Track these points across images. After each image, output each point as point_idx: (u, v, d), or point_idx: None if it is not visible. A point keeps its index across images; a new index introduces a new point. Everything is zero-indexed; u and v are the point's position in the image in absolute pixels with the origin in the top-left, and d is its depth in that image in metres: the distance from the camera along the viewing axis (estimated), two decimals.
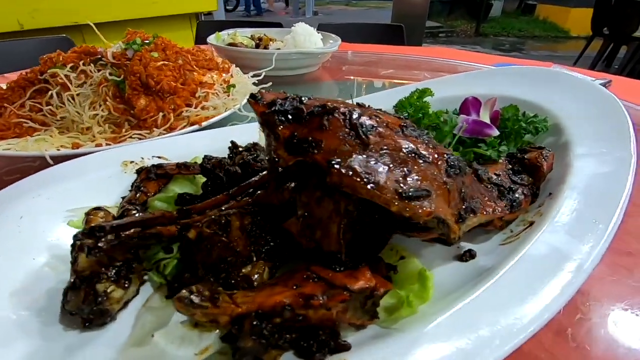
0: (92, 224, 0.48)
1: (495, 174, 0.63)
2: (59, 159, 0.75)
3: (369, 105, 0.79)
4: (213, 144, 0.76)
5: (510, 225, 0.61)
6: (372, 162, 0.43)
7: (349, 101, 0.68)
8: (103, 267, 0.43)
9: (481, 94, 0.90)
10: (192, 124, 0.88)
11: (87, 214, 0.50)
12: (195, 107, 0.93)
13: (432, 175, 0.45)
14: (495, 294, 0.44)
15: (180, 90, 0.90)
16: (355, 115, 0.47)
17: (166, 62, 0.93)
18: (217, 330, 0.39)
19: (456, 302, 0.43)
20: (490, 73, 0.97)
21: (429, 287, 0.44)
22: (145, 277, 0.50)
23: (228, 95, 1.02)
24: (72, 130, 0.87)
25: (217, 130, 0.82)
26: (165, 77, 0.89)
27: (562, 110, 0.78)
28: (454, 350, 0.37)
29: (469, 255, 0.55)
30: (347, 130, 0.45)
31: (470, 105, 0.81)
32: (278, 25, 2.14)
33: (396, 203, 0.41)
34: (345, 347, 0.40)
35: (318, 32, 1.74)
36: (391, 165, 0.43)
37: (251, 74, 1.24)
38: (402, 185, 0.42)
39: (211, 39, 1.73)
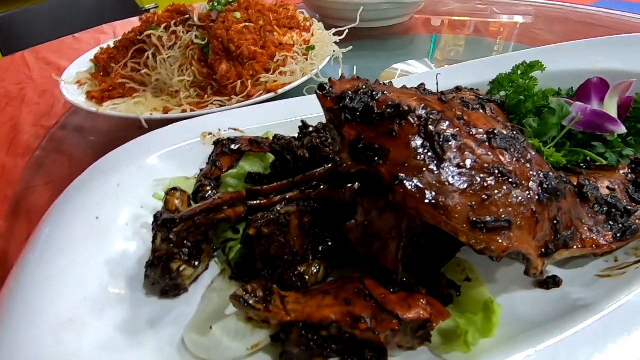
0: (169, 206, 0.53)
1: (609, 187, 0.52)
2: (151, 122, 0.82)
3: (459, 90, 0.69)
4: (288, 115, 0.76)
5: (617, 252, 0.51)
6: (444, 182, 0.37)
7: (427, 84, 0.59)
8: (176, 248, 0.48)
9: (609, 69, 0.71)
10: (268, 92, 0.88)
11: (167, 193, 0.54)
12: (273, 73, 0.92)
13: (517, 201, 0.38)
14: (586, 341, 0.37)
15: (259, 55, 0.89)
16: (433, 121, 0.40)
17: (247, 25, 0.91)
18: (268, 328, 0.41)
19: (529, 343, 0.38)
20: (628, 41, 0.75)
21: (494, 322, 0.40)
22: (215, 255, 0.55)
23: (307, 59, 0.98)
24: (164, 92, 0.93)
25: (293, 101, 0.81)
26: (245, 40, 0.88)
27: None
28: None
29: (552, 283, 0.48)
30: (420, 139, 0.39)
31: (592, 88, 0.65)
32: None
33: (466, 233, 0.36)
34: None
35: None
36: (467, 187, 0.37)
37: (333, 31, 1.16)
38: (476, 212, 0.37)
39: None
